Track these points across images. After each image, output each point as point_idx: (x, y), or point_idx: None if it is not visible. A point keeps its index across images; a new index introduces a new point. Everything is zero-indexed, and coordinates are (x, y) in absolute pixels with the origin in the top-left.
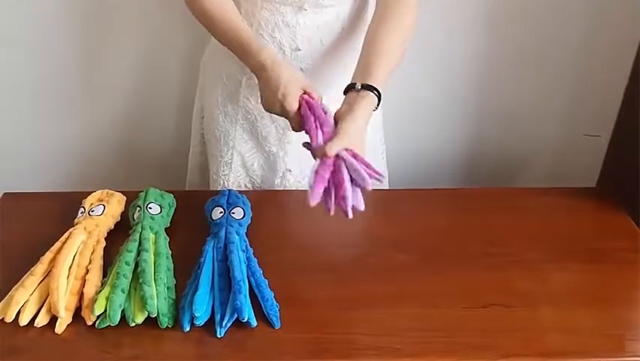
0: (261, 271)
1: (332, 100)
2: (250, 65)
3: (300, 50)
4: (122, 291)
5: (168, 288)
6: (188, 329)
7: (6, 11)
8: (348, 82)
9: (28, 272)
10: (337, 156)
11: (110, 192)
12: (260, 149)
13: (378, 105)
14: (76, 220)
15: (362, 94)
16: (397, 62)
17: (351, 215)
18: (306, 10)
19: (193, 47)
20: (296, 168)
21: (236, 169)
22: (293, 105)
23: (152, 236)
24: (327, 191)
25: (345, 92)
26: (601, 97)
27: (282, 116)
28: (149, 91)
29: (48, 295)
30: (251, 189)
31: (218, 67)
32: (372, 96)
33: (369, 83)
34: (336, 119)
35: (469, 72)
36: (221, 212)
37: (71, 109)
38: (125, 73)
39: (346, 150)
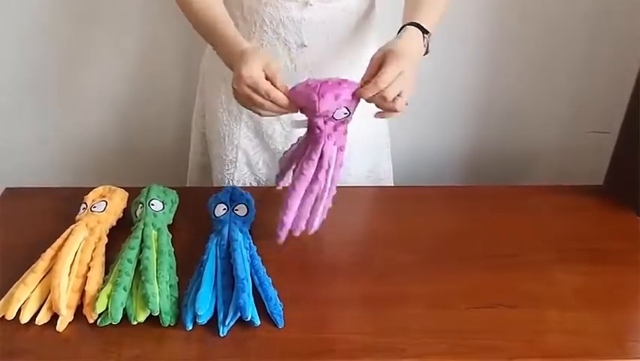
0: (265, 270)
1: None
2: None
3: (305, 46)
4: (124, 289)
5: (171, 286)
6: (190, 327)
7: (6, 11)
8: (355, 77)
9: (29, 269)
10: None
11: (112, 188)
12: (265, 147)
13: (426, 45)
14: (77, 217)
15: (403, 30)
16: (441, 12)
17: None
18: (311, 5)
19: (194, 44)
20: None
21: (241, 167)
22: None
23: (154, 233)
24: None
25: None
26: (607, 95)
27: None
28: (150, 88)
29: (49, 292)
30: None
31: (219, 65)
32: (415, 30)
33: (414, 22)
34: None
35: (475, 71)
36: (225, 209)
37: (73, 106)
38: (126, 70)
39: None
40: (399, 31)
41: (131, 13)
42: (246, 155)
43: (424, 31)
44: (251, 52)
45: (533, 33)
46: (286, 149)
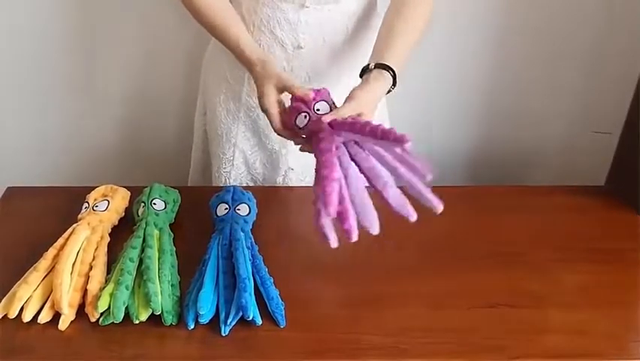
0: (266, 269)
1: (336, 99)
2: (240, 61)
3: (302, 47)
4: (126, 288)
5: (172, 285)
6: (192, 326)
7: (8, 9)
8: (352, 80)
9: (32, 268)
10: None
11: (115, 187)
12: (262, 147)
13: (394, 85)
14: (79, 216)
15: (376, 72)
16: (413, 45)
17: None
18: (307, 7)
19: (195, 44)
20: (298, 166)
21: (238, 166)
22: (267, 104)
23: (156, 232)
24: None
25: (361, 75)
26: (609, 96)
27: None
28: (152, 87)
29: (51, 291)
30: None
31: (221, 64)
32: (386, 74)
33: (383, 62)
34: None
35: (478, 71)
36: (226, 208)
37: (75, 105)
38: (128, 69)
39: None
40: (368, 68)
41: (133, 13)
42: (244, 154)
43: (393, 73)
44: (262, 73)
45: (536, 33)
46: (282, 149)
